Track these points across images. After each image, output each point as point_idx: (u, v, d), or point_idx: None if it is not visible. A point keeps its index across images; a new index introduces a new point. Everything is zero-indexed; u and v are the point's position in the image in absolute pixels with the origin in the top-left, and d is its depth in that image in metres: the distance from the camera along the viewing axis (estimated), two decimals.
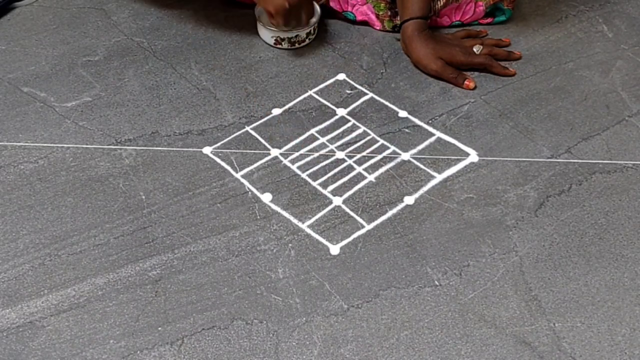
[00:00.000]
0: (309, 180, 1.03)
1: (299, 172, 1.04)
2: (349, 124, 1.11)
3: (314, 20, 1.22)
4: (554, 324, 0.87)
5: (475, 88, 1.15)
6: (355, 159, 1.06)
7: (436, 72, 1.16)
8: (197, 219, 0.98)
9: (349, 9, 1.26)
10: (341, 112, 1.13)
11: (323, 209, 0.99)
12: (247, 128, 1.10)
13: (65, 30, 1.27)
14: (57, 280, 0.91)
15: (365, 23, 1.27)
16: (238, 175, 1.03)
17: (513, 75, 1.17)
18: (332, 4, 1.26)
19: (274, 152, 1.07)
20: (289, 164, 1.05)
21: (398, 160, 1.06)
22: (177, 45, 1.24)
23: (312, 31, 1.23)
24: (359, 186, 1.02)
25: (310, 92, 1.16)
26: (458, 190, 1.01)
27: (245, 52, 1.23)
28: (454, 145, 1.08)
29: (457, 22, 1.26)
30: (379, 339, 0.85)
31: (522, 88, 1.17)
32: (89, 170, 1.04)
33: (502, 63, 1.19)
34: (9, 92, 1.16)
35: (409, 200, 1.00)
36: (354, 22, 1.27)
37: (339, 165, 1.05)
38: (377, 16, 1.25)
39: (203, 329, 0.86)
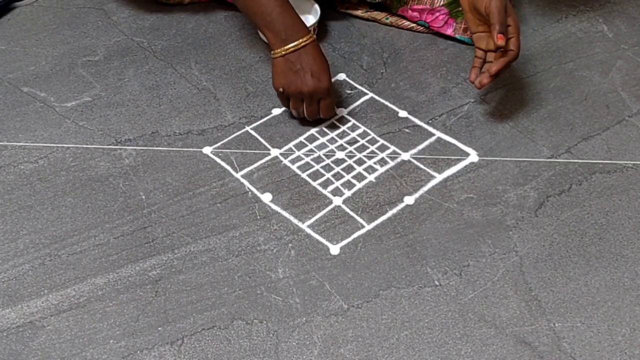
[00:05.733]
0: (309, 180, 1.03)
1: (299, 172, 1.04)
2: (349, 124, 1.11)
3: (314, 21, 1.22)
4: (554, 324, 0.87)
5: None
6: (355, 159, 1.06)
7: None
8: (197, 219, 0.98)
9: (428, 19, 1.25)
10: (341, 112, 1.13)
11: (323, 209, 0.99)
12: (247, 128, 1.10)
13: (65, 30, 1.27)
14: (57, 280, 0.91)
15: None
16: (238, 175, 1.03)
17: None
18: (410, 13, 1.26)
19: (274, 152, 1.07)
20: (289, 164, 1.05)
21: (398, 160, 1.06)
22: (177, 45, 1.24)
23: (312, 31, 1.23)
24: (359, 186, 1.02)
25: None
26: (458, 190, 1.01)
27: (245, 52, 1.23)
28: (454, 145, 1.08)
29: (422, 22, 1.26)
30: (379, 339, 0.85)
31: (522, 88, 1.17)
32: (89, 170, 1.04)
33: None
34: (9, 92, 1.16)
35: (409, 200, 1.00)
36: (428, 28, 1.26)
37: (339, 165, 1.05)
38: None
39: (203, 329, 0.86)
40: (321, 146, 1.08)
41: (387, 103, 1.14)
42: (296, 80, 1.03)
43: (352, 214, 0.99)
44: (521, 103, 1.14)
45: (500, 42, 0.99)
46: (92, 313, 0.88)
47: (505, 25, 1.01)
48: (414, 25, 1.26)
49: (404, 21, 1.27)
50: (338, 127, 1.10)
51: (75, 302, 0.89)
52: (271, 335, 0.86)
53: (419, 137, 1.09)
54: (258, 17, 1.03)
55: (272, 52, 1.04)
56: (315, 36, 1.05)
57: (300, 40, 1.02)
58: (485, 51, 1.07)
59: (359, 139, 1.09)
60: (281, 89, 1.04)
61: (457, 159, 1.06)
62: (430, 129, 1.10)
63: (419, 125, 1.11)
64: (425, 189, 1.02)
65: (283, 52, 1.03)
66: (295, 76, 1.03)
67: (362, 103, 1.14)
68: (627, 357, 0.84)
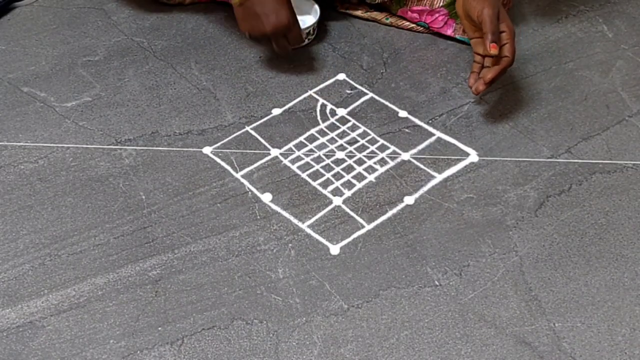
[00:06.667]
0: (309, 180, 1.03)
1: (299, 172, 1.04)
2: (349, 124, 1.11)
3: (314, 20, 1.22)
4: (554, 324, 0.87)
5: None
6: (355, 159, 1.06)
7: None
8: (197, 219, 0.98)
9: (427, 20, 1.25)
10: (341, 112, 1.13)
11: (323, 209, 0.99)
12: (247, 128, 1.10)
13: (65, 30, 1.27)
14: (57, 280, 0.91)
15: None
16: (238, 175, 1.03)
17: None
18: (411, 14, 1.25)
19: (274, 152, 1.07)
20: (289, 164, 1.05)
21: (398, 160, 1.06)
22: (177, 45, 1.24)
23: (312, 31, 1.23)
24: (359, 186, 1.02)
25: (310, 92, 1.16)
26: (458, 190, 1.01)
27: (245, 52, 1.23)
28: (454, 145, 1.08)
29: (422, 23, 1.26)
30: (379, 339, 0.85)
31: (522, 88, 1.17)
32: (89, 170, 1.04)
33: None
34: (9, 92, 1.16)
35: (409, 200, 1.00)
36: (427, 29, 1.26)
37: (339, 165, 1.05)
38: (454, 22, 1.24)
39: (203, 329, 0.86)
40: (321, 146, 1.08)
41: (387, 103, 1.14)
42: (257, 24, 1.08)
43: (352, 214, 0.99)
44: (521, 103, 1.14)
45: (493, 51, 1.01)
46: (92, 313, 0.88)
47: (497, 33, 1.02)
48: (414, 25, 1.26)
49: (404, 21, 1.27)
50: (338, 127, 1.10)
51: (75, 302, 0.89)
52: (271, 335, 0.86)
53: (419, 137, 1.09)
54: None
55: (232, 1, 1.10)
56: None
57: None
58: (483, 56, 1.07)
59: (359, 139, 1.09)
60: (247, 34, 1.11)
61: (457, 159, 1.06)
62: (430, 129, 1.10)
63: (419, 125, 1.11)
64: (425, 189, 1.02)
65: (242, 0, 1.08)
66: (256, 20, 1.08)
67: (362, 103, 1.15)
68: (627, 357, 0.84)
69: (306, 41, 1.23)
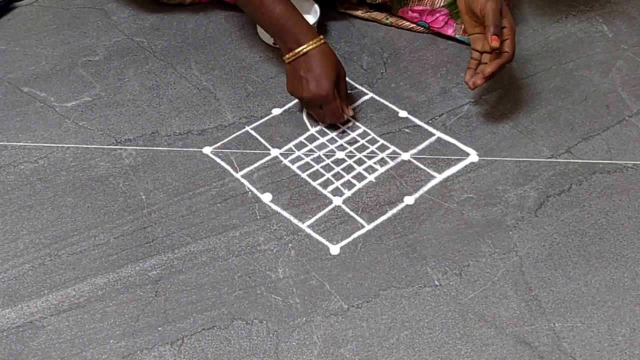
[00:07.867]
0: (309, 180, 1.03)
1: (299, 172, 1.04)
2: (349, 124, 1.11)
3: (314, 20, 1.22)
4: (554, 324, 0.87)
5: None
6: (355, 159, 1.06)
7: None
8: (197, 219, 0.98)
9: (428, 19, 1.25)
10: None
11: (323, 209, 0.99)
12: (247, 128, 1.10)
13: (65, 30, 1.27)
14: (57, 280, 0.91)
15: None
16: (238, 175, 1.03)
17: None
18: (411, 13, 1.25)
19: (274, 152, 1.07)
20: (289, 164, 1.05)
21: (398, 160, 1.06)
22: (177, 45, 1.24)
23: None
24: (359, 186, 1.02)
25: None
26: (458, 190, 1.01)
27: (245, 52, 1.23)
28: (454, 145, 1.08)
29: (422, 23, 1.26)
30: (379, 339, 0.85)
31: (522, 88, 1.17)
32: (89, 170, 1.04)
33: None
34: (9, 92, 1.16)
35: (409, 200, 1.00)
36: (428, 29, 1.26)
37: (339, 165, 1.05)
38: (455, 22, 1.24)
39: (203, 329, 0.86)
40: (321, 146, 1.08)
41: (387, 103, 1.14)
42: (298, 87, 1.05)
43: (352, 214, 0.99)
44: (521, 103, 1.14)
45: (495, 44, 1.01)
46: (92, 313, 0.88)
47: (499, 27, 1.02)
48: (414, 25, 1.26)
49: (404, 22, 1.27)
50: (338, 127, 1.10)
51: (75, 302, 0.89)
52: (271, 335, 0.86)
53: (419, 137, 1.09)
54: (266, 26, 1.08)
55: (283, 57, 1.07)
56: (324, 40, 1.05)
57: (302, 47, 1.03)
58: (481, 52, 1.07)
59: (359, 139, 1.09)
60: (290, 94, 1.08)
61: (457, 159, 1.06)
62: (430, 129, 1.10)
63: (419, 125, 1.11)
64: (425, 189, 1.02)
65: (290, 59, 1.05)
66: (298, 82, 1.05)
67: (362, 103, 1.15)
68: (627, 357, 0.84)
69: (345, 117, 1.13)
